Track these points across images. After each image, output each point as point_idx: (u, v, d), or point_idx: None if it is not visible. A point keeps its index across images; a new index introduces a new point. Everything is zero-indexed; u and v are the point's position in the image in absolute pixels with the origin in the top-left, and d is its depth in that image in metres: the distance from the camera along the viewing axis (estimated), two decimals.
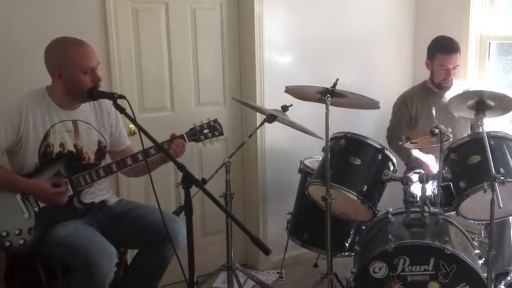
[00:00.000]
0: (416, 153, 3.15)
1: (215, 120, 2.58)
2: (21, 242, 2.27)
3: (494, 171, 2.31)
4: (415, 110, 3.23)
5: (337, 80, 2.58)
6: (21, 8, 2.68)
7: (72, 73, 2.31)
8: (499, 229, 2.83)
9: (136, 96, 3.09)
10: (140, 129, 2.03)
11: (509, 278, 2.87)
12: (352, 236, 2.97)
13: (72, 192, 2.35)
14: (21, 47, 2.68)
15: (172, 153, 2.38)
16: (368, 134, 2.78)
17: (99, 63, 2.37)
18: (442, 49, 3.16)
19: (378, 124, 3.64)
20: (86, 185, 2.37)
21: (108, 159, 2.54)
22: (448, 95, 3.17)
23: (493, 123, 3.07)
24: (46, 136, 2.35)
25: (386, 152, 2.69)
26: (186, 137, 2.49)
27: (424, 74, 3.40)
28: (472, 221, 2.74)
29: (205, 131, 2.54)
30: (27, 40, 2.67)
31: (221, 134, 2.58)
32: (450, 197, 2.61)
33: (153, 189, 2.06)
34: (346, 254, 2.96)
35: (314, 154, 3.12)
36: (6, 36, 2.67)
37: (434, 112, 3.23)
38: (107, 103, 2.49)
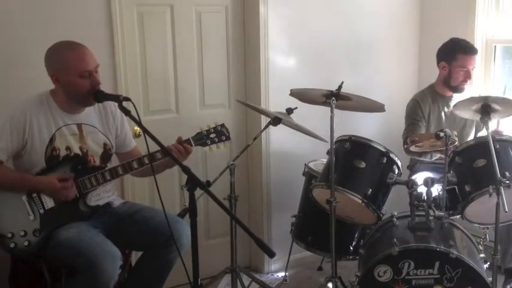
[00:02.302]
0: None
1: (222, 125, 2.57)
2: (26, 243, 2.28)
3: (499, 175, 2.30)
4: (427, 112, 3.20)
5: (342, 82, 2.58)
6: (26, 10, 2.70)
7: (68, 77, 2.30)
8: (507, 230, 2.82)
9: (142, 99, 3.10)
10: (145, 131, 2.03)
11: None
12: (356, 239, 2.97)
13: (78, 195, 2.36)
14: (26, 50, 2.69)
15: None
16: (373, 137, 2.77)
17: (98, 65, 2.35)
18: (464, 50, 3.11)
19: (383, 127, 3.64)
20: (92, 187, 2.37)
21: (113, 162, 2.55)
22: (457, 99, 3.16)
23: (497, 127, 3.07)
24: (52, 140, 2.35)
25: (391, 155, 2.68)
26: (192, 142, 2.49)
27: (429, 77, 3.39)
28: (477, 225, 2.73)
29: (212, 135, 2.53)
30: (31, 43, 2.68)
31: (228, 139, 2.57)
32: (455, 200, 2.60)
33: (158, 191, 2.07)
34: (351, 257, 2.95)
35: (319, 157, 3.11)
36: (11, 38, 2.68)
37: (443, 116, 3.22)
38: (112, 105, 2.50)
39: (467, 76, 3.14)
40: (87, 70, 2.30)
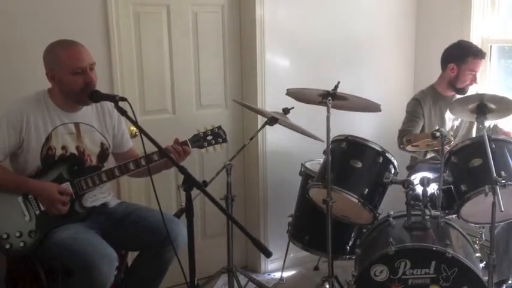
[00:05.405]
0: None
1: (219, 127, 2.56)
2: (22, 244, 2.27)
3: (495, 174, 2.31)
4: (428, 113, 3.20)
5: (339, 82, 2.58)
6: (23, 10, 2.69)
7: (61, 75, 2.30)
8: (505, 233, 2.82)
9: (138, 99, 3.10)
10: (141, 131, 2.03)
11: (510, 282, 2.87)
12: (353, 239, 2.97)
13: (73, 196, 2.35)
14: (22, 49, 2.69)
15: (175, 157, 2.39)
16: (369, 137, 2.78)
17: (93, 63, 2.35)
18: (476, 54, 3.12)
19: (379, 127, 3.64)
20: (88, 189, 2.37)
21: (110, 163, 2.54)
22: None
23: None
24: (48, 139, 2.35)
25: (388, 155, 2.69)
26: (189, 144, 2.48)
27: (426, 77, 3.40)
28: (473, 224, 2.74)
29: (209, 137, 2.52)
30: (28, 42, 2.67)
31: (225, 141, 2.56)
32: (451, 200, 2.61)
33: (154, 191, 2.06)
34: (347, 257, 2.95)
35: (315, 157, 3.12)
36: (8, 38, 2.68)
37: (446, 117, 3.22)
38: (109, 104, 2.49)
39: (474, 80, 3.16)
40: (80, 67, 2.29)
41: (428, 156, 3.17)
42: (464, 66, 3.13)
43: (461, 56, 3.14)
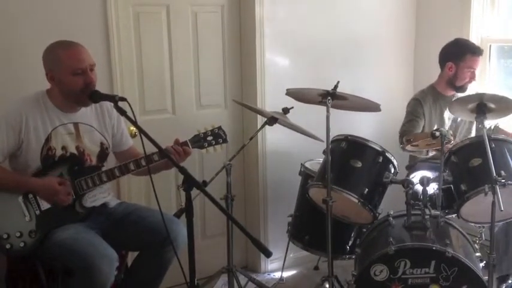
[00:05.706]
0: None
1: (219, 128, 2.56)
2: (22, 244, 2.27)
3: (495, 174, 2.31)
4: (428, 112, 3.20)
5: (338, 82, 2.58)
6: (23, 10, 2.69)
7: (61, 75, 2.30)
8: (504, 232, 2.83)
9: (138, 99, 3.10)
10: (141, 131, 2.03)
11: (510, 281, 2.87)
12: (353, 238, 2.97)
13: (74, 196, 2.35)
14: (22, 50, 2.69)
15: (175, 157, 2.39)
16: (369, 137, 2.78)
17: (94, 64, 2.35)
18: (473, 51, 3.12)
19: (378, 127, 3.64)
20: (88, 189, 2.37)
21: (109, 162, 2.54)
22: None
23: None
24: (48, 139, 2.35)
25: (387, 154, 2.69)
26: (189, 144, 2.48)
27: (425, 77, 3.39)
28: (473, 224, 2.74)
29: (209, 138, 2.52)
30: (27, 43, 2.67)
31: (225, 141, 2.56)
32: (451, 199, 2.61)
33: (154, 191, 2.06)
34: (347, 256, 2.96)
35: (315, 156, 3.12)
36: (8, 38, 2.68)
37: (445, 117, 3.23)
38: (108, 104, 2.49)
39: (472, 77, 3.16)
40: (80, 68, 2.29)
41: (430, 154, 3.17)
42: (463, 64, 3.13)
43: (459, 54, 3.15)
